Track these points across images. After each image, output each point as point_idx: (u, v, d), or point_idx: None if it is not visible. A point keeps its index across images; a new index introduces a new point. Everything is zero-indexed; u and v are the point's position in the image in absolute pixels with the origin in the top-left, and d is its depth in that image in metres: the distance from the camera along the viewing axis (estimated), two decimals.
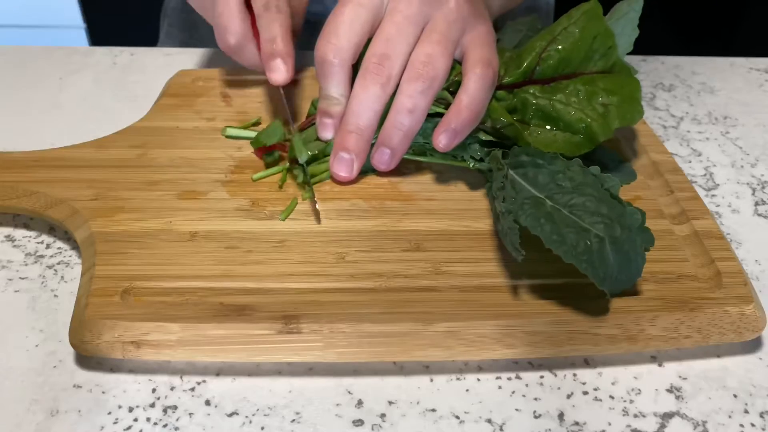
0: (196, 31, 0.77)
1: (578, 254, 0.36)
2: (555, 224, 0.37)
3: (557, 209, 0.38)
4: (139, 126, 0.53)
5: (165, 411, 0.36)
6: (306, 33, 0.58)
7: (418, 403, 0.37)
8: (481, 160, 0.48)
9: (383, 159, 0.47)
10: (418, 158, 0.48)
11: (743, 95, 0.65)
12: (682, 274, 0.41)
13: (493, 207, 0.45)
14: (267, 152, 0.49)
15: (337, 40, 0.45)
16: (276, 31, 0.50)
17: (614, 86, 0.46)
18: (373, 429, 0.35)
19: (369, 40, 0.46)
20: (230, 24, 0.51)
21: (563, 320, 0.38)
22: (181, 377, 0.38)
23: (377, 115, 0.46)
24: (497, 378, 0.38)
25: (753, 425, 0.36)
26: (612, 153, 0.50)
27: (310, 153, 0.47)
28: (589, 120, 0.45)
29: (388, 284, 0.40)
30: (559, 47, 0.46)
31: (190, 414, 0.36)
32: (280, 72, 0.50)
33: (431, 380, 0.38)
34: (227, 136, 0.49)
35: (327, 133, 0.47)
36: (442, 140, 0.45)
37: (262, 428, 0.35)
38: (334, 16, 0.46)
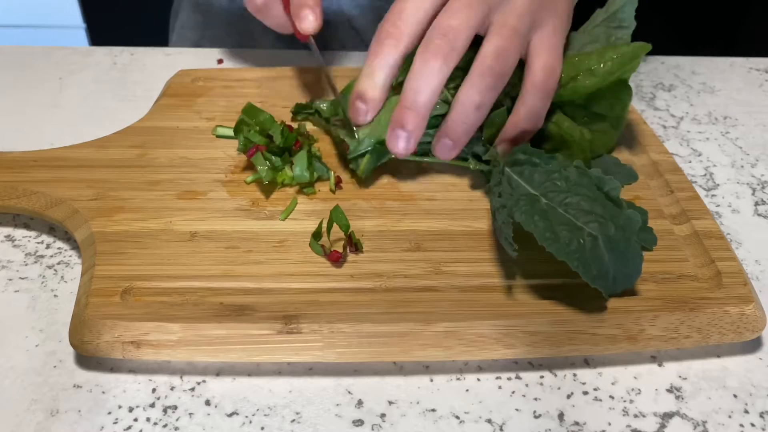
0: (209, 32, 0.77)
1: (570, 252, 0.36)
2: (549, 221, 0.38)
3: (552, 207, 0.39)
4: (139, 126, 0.53)
5: (165, 411, 0.36)
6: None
7: (418, 403, 0.37)
8: (484, 161, 0.48)
9: (444, 150, 0.46)
10: (419, 159, 0.48)
11: (743, 95, 0.65)
12: (682, 274, 0.41)
13: (491, 205, 0.45)
14: (253, 154, 0.48)
15: (402, 25, 0.45)
16: None
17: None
18: (373, 429, 0.35)
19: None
20: None
21: (563, 320, 0.38)
22: (181, 377, 0.38)
23: (436, 91, 0.44)
24: (497, 378, 0.38)
25: (753, 425, 0.36)
26: (611, 157, 0.50)
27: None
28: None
29: (388, 284, 0.40)
30: (578, 85, 0.47)
31: (190, 414, 0.36)
32: (309, 21, 0.51)
33: (431, 380, 0.38)
34: (217, 136, 0.49)
35: (360, 118, 0.47)
36: (501, 148, 0.46)
37: (262, 428, 0.35)
38: (402, 1, 0.45)
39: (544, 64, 0.45)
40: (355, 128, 0.47)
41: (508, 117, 0.46)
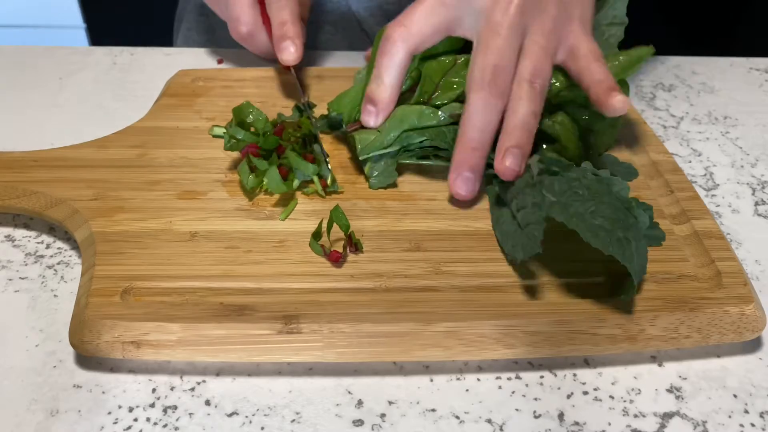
0: (214, 35, 0.77)
1: (614, 246, 0.36)
2: (586, 222, 0.37)
3: (580, 214, 0.38)
4: (139, 126, 0.53)
5: (165, 411, 0.36)
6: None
7: (418, 403, 0.37)
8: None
9: (516, 160, 0.44)
10: (422, 162, 0.48)
11: (743, 95, 0.65)
12: (682, 274, 0.41)
13: (493, 208, 0.45)
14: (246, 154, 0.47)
15: (410, 24, 0.45)
16: (286, 16, 0.54)
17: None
18: (373, 429, 0.35)
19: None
20: (242, 15, 0.56)
21: (563, 320, 0.38)
22: (181, 377, 0.38)
23: (496, 128, 0.45)
24: (497, 378, 0.38)
25: (753, 425, 0.36)
26: (609, 155, 0.50)
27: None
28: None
29: (388, 284, 0.40)
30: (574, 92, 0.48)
31: (190, 414, 0.36)
32: (290, 52, 0.53)
33: (431, 380, 0.38)
34: (213, 135, 0.49)
35: (371, 121, 0.47)
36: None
37: (262, 428, 0.35)
38: (415, 4, 0.46)
39: (594, 73, 0.45)
40: (357, 139, 0.48)
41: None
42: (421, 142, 0.48)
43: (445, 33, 0.47)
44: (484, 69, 0.44)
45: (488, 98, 0.44)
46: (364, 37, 0.74)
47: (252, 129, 0.48)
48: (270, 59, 0.59)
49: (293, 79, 0.56)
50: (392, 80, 0.46)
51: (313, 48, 0.72)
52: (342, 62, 0.67)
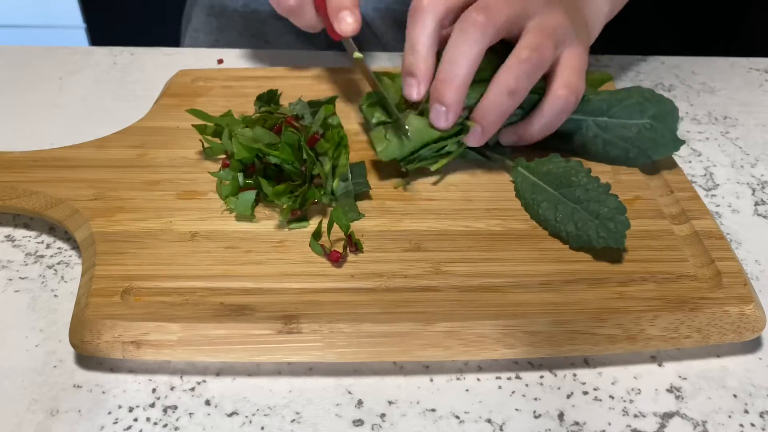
0: (222, 36, 0.77)
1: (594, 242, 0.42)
2: (560, 232, 0.43)
3: (551, 222, 0.44)
4: (139, 126, 0.53)
5: (165, 411, 0.36)
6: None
7: (418, 403, 0.37)
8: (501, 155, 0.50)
9: (474, 136, 0.46)
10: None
11: (743, 95, 0.65)
12: (682, 274, 0.41)
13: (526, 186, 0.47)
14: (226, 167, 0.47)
15: (491, 12, 0.44)
16: None
17: None
18: (373, 429, 0.35)
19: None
20: None
21: (563, 320, 0.38)
22: (181, 377, 0.38)
23: (474, 63, 0.44)
24: (497, 378, 0.38)
25: (753, 425, 0.36)
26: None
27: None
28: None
29: (388, 284, 0.40)
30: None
31: (190, 414, 0.36)
32: (348, 23, 0.51)
33: (431, 380, 0.38)
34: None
35: (412, 93, 0.47)
36: (505, 139, 0.49)
37: (262, 428, 0.35)
38: None
39: (569, 79, 0.46)
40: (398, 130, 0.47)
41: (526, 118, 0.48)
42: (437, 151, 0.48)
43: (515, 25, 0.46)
44: (471, 8, 0.44)
45: (467, 28, 0.43)
46: (374, 39, 0.74)
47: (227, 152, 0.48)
48: (314, 32, 0.57)
49: (349, 46, 0.54)
50: (426, 49, 0.46)
51: (321, 48, 0.72)
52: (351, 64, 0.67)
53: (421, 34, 0.45)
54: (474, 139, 0.46)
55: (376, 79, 0.50)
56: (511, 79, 0.44)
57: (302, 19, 0.56)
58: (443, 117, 0.45)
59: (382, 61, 0.67)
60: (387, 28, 0.73)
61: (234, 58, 0.67)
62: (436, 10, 0.45)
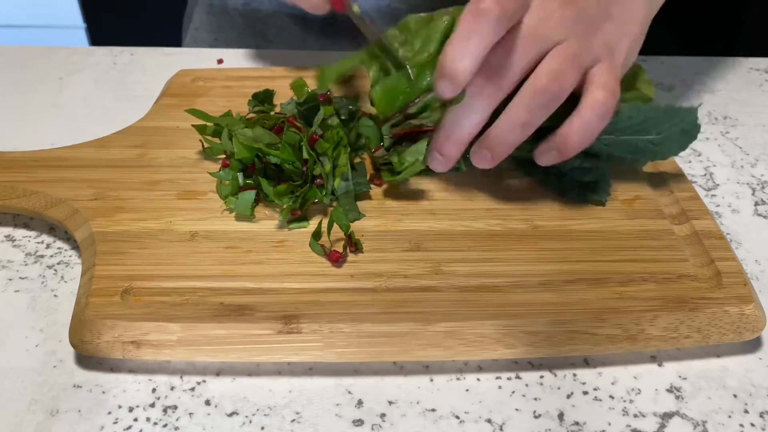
0: (223, 34, 0.77)
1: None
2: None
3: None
4: (139, 126, 0.53)
5: (165, 411, 0.36)
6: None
7: (418, 403, 0.37)
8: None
9: (481, 160, 0.44)
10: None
11: (743, 95, 0.65)
12: (682, 274, 0.41)
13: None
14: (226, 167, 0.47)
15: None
16: None
17: None
18: (373, 429, 0.35)
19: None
20: None
21: (563, 320, 0.38)
22: (181, 377, 0.38)
23: (479, 126, 0.42)
24: (497, 378, 0.38)
25: (753, 425, 0.36)
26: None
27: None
28: None
29: (388, 284, 0.40)
30: None
31: (190, 414, 0.36)
32: None
33: (431, 380, 0.38)
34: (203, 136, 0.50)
35: (446, 93, 0.40)
36: (544, 160, 0.44)
37: (262, 428, 0.35)
38: None
39: (606, 81, 0.42)
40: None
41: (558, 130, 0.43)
42: None
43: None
44: (485, 64, 0.40)
45: (475, 94, 0.41)
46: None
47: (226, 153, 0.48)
48: (320, 13, 0.56)
49: (358, 21, 0.52)
50: (476, 61, 0.40)
51: (320, 48, 0.72)
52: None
53: (477, 46, 0.39)
54: (480, 161, 0.44)
55: (377, 30, 0.48)
56: (523, 113, 0.41)
57: (307, 0, 0.55)
58: (441, 166, 0.45)
59: None
60: (387, 26, 0.73)
61: (234, 58, 0.67)
62: (493, 98, 0.41)
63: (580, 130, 0.42)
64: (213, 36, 0.78)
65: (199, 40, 0.79)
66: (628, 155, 0.46)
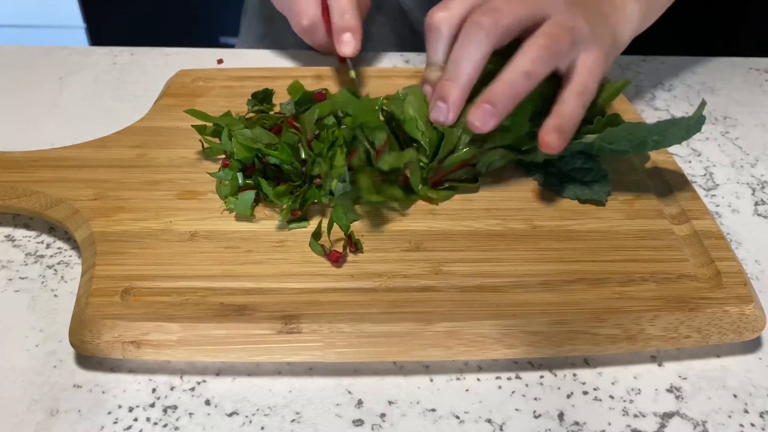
0: (272, 24, 0.78)
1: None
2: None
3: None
4: (139, 126, 0.53)
5: (165, 411, 0.36)
6: None
7: (418, 403, 0.37)
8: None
9: (483, 116, 0.42)
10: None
11: (743, 95, 0.65)
12: (682, 274, 0.41)
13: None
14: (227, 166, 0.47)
15: (447, 9, 0.45)
16: (345, 6, 0.55)
17: None
18: (373, 429, 0.35)
19: None
20: (305, 8, 0.58)
21: (563, 320, 0.38)
22: (181, 377, 0.38)
23: (478, 65, 0.43)
24: (497, 378, 0.38)
25: (753, 425, 0.36)
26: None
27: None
28: None
29: (388, 284, 0.40)
30: None
31: (190, 414, 0.36)
32: (349, 44, 0.54)
33: (431, 380, 0.38)
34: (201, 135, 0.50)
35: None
36: (547, 143, 0.43)
37: (262, 428, 0.35)
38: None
39: (583, 80, 0.44)
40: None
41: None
42: None
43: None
44: (475, 8, 0.44)
45: (470, 32, 0.43)
46: (412, 29, 0.74)
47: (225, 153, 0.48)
48: (328, 53, 0.60)
49: (350, 70, 0.56)
50: (442, 61, 0.45)
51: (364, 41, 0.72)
52: (394, 61, 0.68)
53: (437, 51, 0.45)
54: (482, 117, 0.42)
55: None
56: (527, 61, 0.42)
57: (315, 39, 0.59)
58: (443, 114, 0.45)
59: (396, 61, 0.67)
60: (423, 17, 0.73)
61: (234, 58, 0.67)
62: (451, 30, 0.44)
63: (573, 98, 0.44)
64: (264, 26, 0.79)
65: (251, 31, 0.81)
66: (629, 149, 0.46)
